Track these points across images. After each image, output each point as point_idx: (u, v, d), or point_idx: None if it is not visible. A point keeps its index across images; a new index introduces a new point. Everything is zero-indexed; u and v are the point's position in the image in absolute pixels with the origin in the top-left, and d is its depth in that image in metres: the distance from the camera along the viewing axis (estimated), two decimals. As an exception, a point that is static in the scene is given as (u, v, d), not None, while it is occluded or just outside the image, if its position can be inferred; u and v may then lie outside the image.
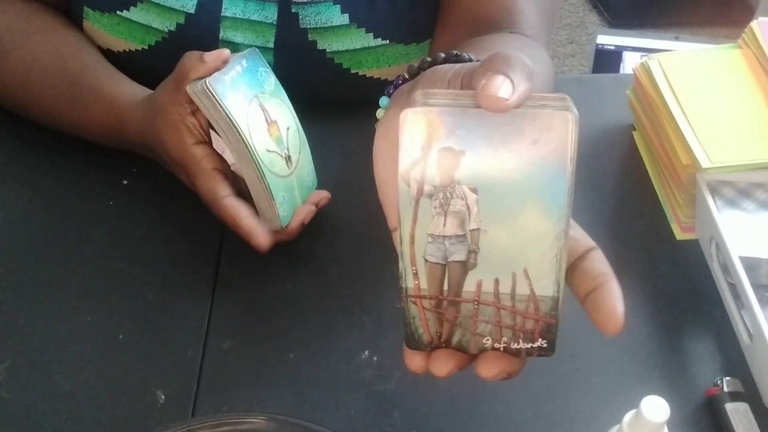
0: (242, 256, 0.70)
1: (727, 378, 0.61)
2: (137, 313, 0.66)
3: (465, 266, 0.41)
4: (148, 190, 0.70)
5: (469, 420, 0.60)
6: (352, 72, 0.77)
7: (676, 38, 1.92)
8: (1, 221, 0.73)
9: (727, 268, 0.66)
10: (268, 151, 0.64)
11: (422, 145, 0.38)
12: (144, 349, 0.64)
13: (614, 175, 0.80)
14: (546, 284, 0.41)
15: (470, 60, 0.49)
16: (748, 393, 0.61)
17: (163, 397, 0.61)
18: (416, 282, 0.41)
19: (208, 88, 0.62)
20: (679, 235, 0.73)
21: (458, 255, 0.40)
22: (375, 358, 0.64)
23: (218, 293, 0.67)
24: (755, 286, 0.62)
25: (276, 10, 0.74)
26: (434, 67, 0.46)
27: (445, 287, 0.42)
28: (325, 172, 0.76)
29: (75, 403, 0.60)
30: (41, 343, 0.64)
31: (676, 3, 2.35)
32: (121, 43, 0.76)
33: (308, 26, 0.75)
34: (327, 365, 0.63)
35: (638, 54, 1.84)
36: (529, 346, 0.43)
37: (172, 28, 0.74)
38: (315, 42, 0.75)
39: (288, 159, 0.66)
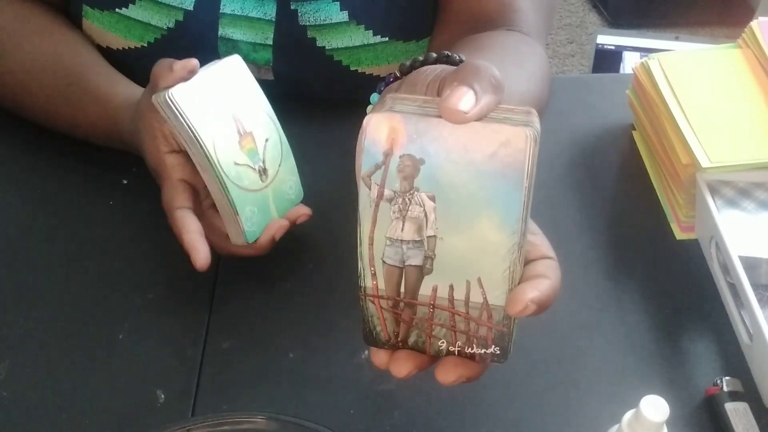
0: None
1: (727, 378, 0.61)
2: (137, 313, 0.66)
3: (421, 271, 0.42)
4: (148, 190, 0.70)
5: (468, 420, 0.60)
6: (351, 69, 0.77)
7: (676, 38, 1.92)
8: (1, 221, 0.73)
9: (726, 268, 0.66)
10: (237, 164, 0.62)
11: (384, 150, 0.39)
12: (144, 349, 0.64)
13: (614, 174, 0.80)
14: (498, 294, 0.42)
15: (461, 61, 0.49)
16: (748, 393, 0.61)
17: (163, 396, 0.61)
18: (374, 282, 0.43)
19: (170, 99, 0.60)
20: (679, 234, 0.73)
21: (415, 260, 0.42)
22: (375, 358, 0.64)
23: (218, 293, 0.67)
24: (755, 285, 0.62)
25: (275, 7, 0.74)
26: (421, 69, 0.47)
27: (402, 289, 0.43)
28: (324, 171, 0.76)
29: (75, 402, 0.60)
30: (41, 342, 0.64)
31: (676, 3, 2.35)
32: (120, 41, 0.76)
33: (307, 23, 0.75)
34: (327, 365, 0.63)
35: (638, 54, 1.84)
36: (483, 351, 0.44)
37: (171, 25, 0.74)
38: (314, 39, 0.75)
39: (263, 172, 0.64)
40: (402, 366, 0.45)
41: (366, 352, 0.64)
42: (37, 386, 0.61)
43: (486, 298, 0.42)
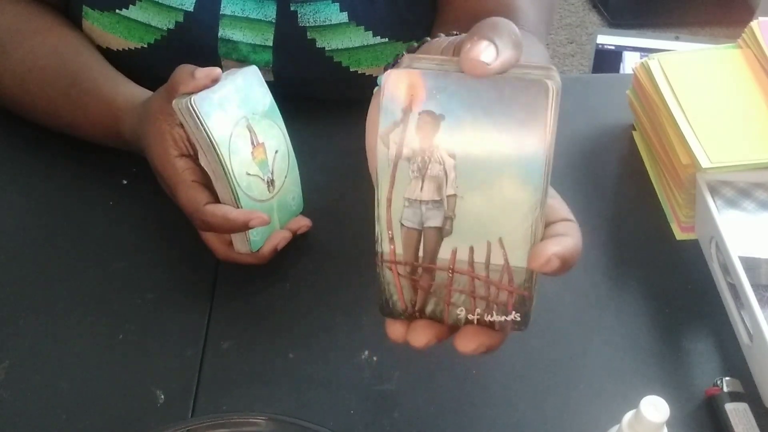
0: (242, 256, 0.70)
1: (727, 378, 0.61)
2: (137, 313, 0.66)
3: (441, 232, 0.40)
4: (148, 190, 0.70)
5: (468, 420, 0.60)
6: (351, 70, 0.77)
7: (676, 38, 1.92)
8: (1, 221, 0.73)
9: (726, 268, 0.66)
10: (248, 174, 0.63)
11: (403, 107, 0.38)
12: (144, 349, 0.64)
13: (614, 174, 0.80)
14: (520, 255, 0.41)
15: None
16: (748, 393, 0.61)
17: (162, 396, 0.61)
18: (392, 247, 0.41)
19: (192, 106, 0.61)
20: (679, 235, 0.73)
21: (434, 221, 0.40)
22: (375, 358, 0.64)
23: (218, 293, 0.68)
24: (755, 286, 0.62)
25: (275, 8, 0.74)
26: (433, 39, 0.46)
27: (421, 254, 0.41)
28: (324, 171, 0.76)
29: (75, 402, 0.60)
30: (41, 343, 0.64)
31: (676, 3, 2.35)
32: (120, 42, 0.76)
33: (307, 24, 0.75)
34: (327, 365, 0.63)
35: (638, 54, 1.84)
36: (503, 319, 0.42)
37: (171, 26, 0.74)
38: (314, 40, 0.75)
39: (270, 183, 0.65)
40: (420, 335, 0.43)
41: (366, 352, 0.64)
42: (37, 387, 0.61)
43: (507, 259, 0.40)
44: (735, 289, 0.65)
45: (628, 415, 0.51)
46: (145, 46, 0.76)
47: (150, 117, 0.64)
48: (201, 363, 0.63)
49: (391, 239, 0.41)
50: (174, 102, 0.62)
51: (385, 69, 0.50)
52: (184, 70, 0.62)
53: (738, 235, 0.67)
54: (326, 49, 0.75)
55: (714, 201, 0.68)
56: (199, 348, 0.64)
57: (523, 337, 0.65)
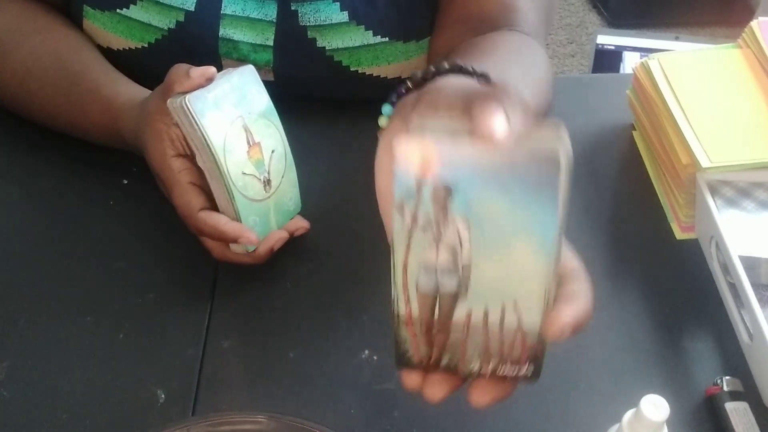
0: (242, 255, 0.70)
1: (727, 377, 0.61)
2: (137, 313, 0.66)
3: (456, 297, 0.41)
4: (149, 189, 0.70)
5: (469, 419, 0.60)
6: (351, 70, 0.77)
7: (676, 38, 1.92)
8: (1, 221, 0.73)
9: (726, 268, 0.66)
10: (244, 174, 0.63)
11: (417, 177, 0.38)
12: (144, 348, 0.64)
13: (614, 174, 0.80)
14: (534, 317, 0.42)
15: (474, 72, 0.50)
16: (748, 392, 0.61)
17: (163, 396, 0.61)
18: (408, 308, 0.42)
19: (186, 105, 0.60)
20: (679, 234, 0.73)
21: (449, 287, 0.41)
22: (375, 358, 0.64)
23: (218, 292, 0.68)
24: (755, 285, 0.62)
25: (275, 7, 0.74)
26: (438, 83, 0.46)
27: (436, 315, 0.42)
28: (326, 172, 0.76)
29: (75, 402, 0.60)
30: (41, 342, 0.64)
31: (676, 3, 2.35)
32: (121, 41, 0.76)
33: (308, 24, 0.75)
34: (327, 364, 0.63)
35: (638, 54, 1.84)
36: (515, 373, 0.44)
37: (172, 25, 0.74)
38: (314, 39, 0.75)
39: (267, 183, 0.65)
40: (437, 390, 0.45)
41: (366, 351, 0.64)
42: (37, 386, 0.61)
43: (521, 321, 0.42)
44: (735, 289, 0.65)
45: (629, 414, 0.51)
46: (146, 45, 0.76)
47: (147, 117, 0.64)
48: (201, 362, 0.63)
49: (407, 302, 0.42)
50: (168, 101, 0.61)
51: (390, 99, 0.50)
52: (179, 69, 0.62)
53: (738, 234, 0.67)
54: (326, 48, 0.75)
55: (714, 201, 0.68)
56: (199, 347, 0.64)
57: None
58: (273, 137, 0.66)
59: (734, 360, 0.64)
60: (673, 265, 0.71)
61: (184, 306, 0.66)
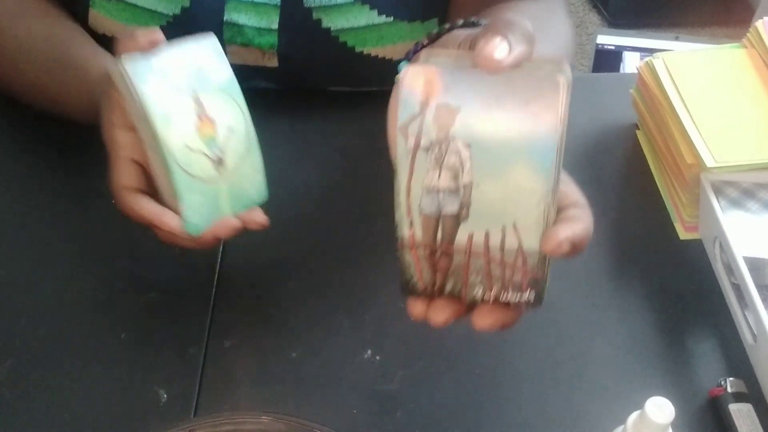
0: (244, 255, 0.70)
1: (731, 378, 0.61)
2: (139, 312, 0.66)
3: (457, 219, 0.43)
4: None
5: (472, 420, 0.60)
6: (356, 51, 0.77)
7: (676, 38, 1.92)
8: (2, 220, 0.72)
9: (730, 269, 0.66)
10: (189, 148, 0.57)
11: (420, 100, 0.40)
12: (146, 348, 0.63)
13: (618, 174, 0.79)
14: (533, 239, 0.43)
15: (481, 24, 0.52)
16: (752, 393, 0.61)
17: (165, 396, 0.60)
18: (411, 231, 0.44)
19: (123, 68, 0.55)
20: (683, 234, 0.73)
21: (451, 208, 0.42)
22: (377, 358, 0.63)
23: (220, 292, 0.67)
24: (759, 286, 0.62)
25: None
26: (452, 34, 0.48)
27: (439, 238, 0.44)
28: (325, 169, 0.76)
29: (77, 402, 0.60)
30: (43, 342, 0.63)
31: (676, 3, 2.35)
32: (126, 30, 0.76)
33: (312, 5, 0.75)
34: (329, 364, 0.63)
35: (638, 54, 1.84)
36: (518, 298, 0.45)
37: (177, 11, 0.74)
38: (320, 20, 0.75)
39: (219, 162, 0.58)
40: (440, 313, 0.45)
41: (368, 351, 0.64)
42: (39, 386, 0.61)
43: (521, 243, 0.43)
44: (739, 290, 0.65)
45: (633, 416, 0.50)
46: None
47: (104, 84, 0.61)
48: (203, 362, 0.63)
49: (411, 225, 0.44)
50: (110, 65, 0.57)
51: (406, 56, 0.51)
52: (127, 32, 0.58)
53: (742, 235, 0.66)
54: (332, 29, 0.75)
55: (718, 201, 0.68)
56: (201, 347, 0.63)
57: (527, 337, 0.65)
58: (233, 116, 0.59)
59: (738, 361, 0.64)
60: (676, 265, 0.71)
61: (186, 306, 0.66)
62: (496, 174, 0.41)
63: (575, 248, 0.43)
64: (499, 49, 0.39)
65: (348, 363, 0.63)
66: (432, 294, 0.46)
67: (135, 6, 0.75)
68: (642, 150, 0.80)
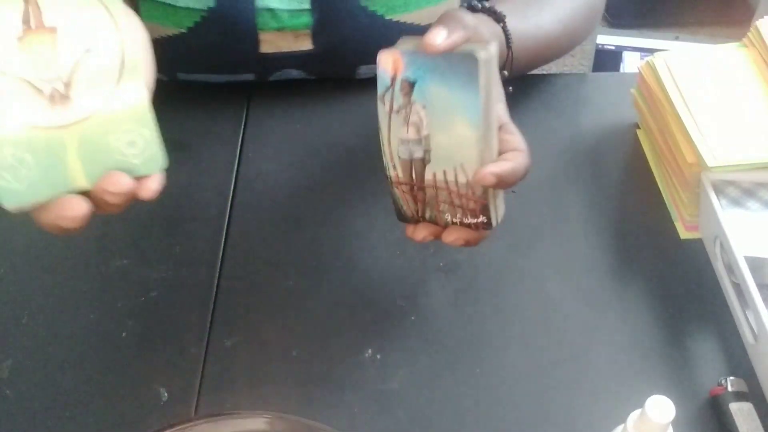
0: (245, 253, 0.70)
1: (731, 378, 0.61)
2: (140, 311, 0.66)
3: (423, 162, 0.57)
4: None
5: (472, 419, 0.60)
6: (386, 18, 0.79)
7: (676, 38, 1.91)
8: (3, 220, 0.72)
9: (731, 268, 0.66)
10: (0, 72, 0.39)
11: (391, 76, 0.55)
12: (147, 347, 0.63)
13: (618, 173, 0.79)
14: None
15: (482, 7, 0.69)
16: (752, 393, 0.61)
17: (166, 394, 0.60)
18: (395, 172, 0.58)
19: None
20: (683, 234, 0.73)
21: (418, 154, 0.57)
22: (378, 357, 0.63)
23: (221, 291, 0.67)
24: (760, 286, 0.62)
25: None
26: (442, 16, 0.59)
27: (414, 177, 0.58)
28: (328, 169, 0.76)
29: (78, 400, 0.60)
30: (44, 340, 0.63)
31: (676, 3, 2.35)
32: (159, 29, 0.76)
33: None
34: (330, 363, 0.63)
35: (638, 54, 1.84)
36: (475, 221, 0.58)
37: (212, 4, 0.74)
38: None
39: (59, 98, 0.40)
40: (421, 231, 0.60)
41: (369, 350, 0.64)
42: (40, 385, 0.61)
43: (468, 178, 0.56)
44: (739, 289, 0.65)
45: (633, 416, 0.50)
46: (185, 30, 0.76)
47: None
48: (204, 361, 0.63)
49: (394, 167, 0.58)
50: None
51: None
52: None
53: (743, 234, 0.66)
54: (361, 1, 0.77)
55: (719, 200, 0.68)
56: (202, 346, 0.63)
57: (527, 335, 0.65)
58: (95, 27, 0.41)
59: (738, 360, 0.64)
60: (677, 264, 0.71)
61: (187, 304, 0.66)
62: (444, 127, 0.55)
63: (501, 180, 0.55)
64: (438, 36, 0.53)
65: (349, 362, 0.63)
66: (417, 219, 0.60)
67: (166, 5, 0.74)
68: (642, 149, 0.80)
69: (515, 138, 0.58)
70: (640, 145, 0.81)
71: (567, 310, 0.67)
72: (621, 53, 1.86)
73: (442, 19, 0.56)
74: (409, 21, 0.79)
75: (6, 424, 0.59)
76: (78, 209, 0.43)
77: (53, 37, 0.40)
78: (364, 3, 0.77)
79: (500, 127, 0.59)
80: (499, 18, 0.70)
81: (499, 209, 0.59)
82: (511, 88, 0.72)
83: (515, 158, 0.57)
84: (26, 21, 0.39)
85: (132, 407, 0.60)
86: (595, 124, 0.83)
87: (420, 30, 0.72)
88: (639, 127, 0.82)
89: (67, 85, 0.40)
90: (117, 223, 0.72)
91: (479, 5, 0.68)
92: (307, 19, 0.77)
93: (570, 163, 0.79)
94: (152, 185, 0.46)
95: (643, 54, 1.82)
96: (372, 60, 0.54)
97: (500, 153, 0.57)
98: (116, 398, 0.60)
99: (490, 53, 0.53)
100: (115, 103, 0.41)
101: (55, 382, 0.61)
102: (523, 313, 0.67)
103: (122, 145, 0.42)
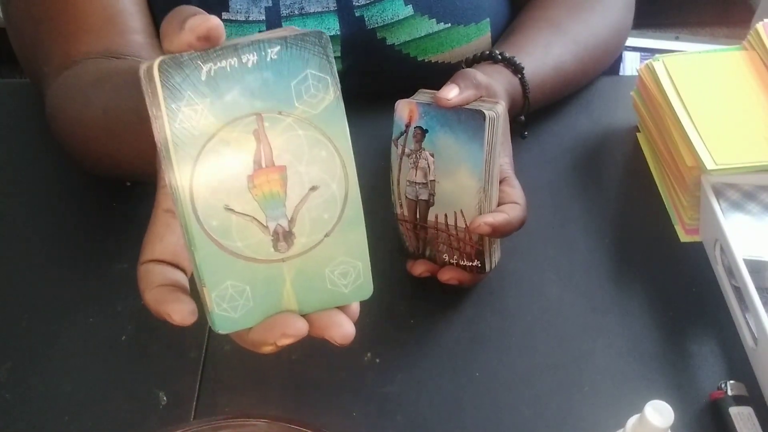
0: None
1: (731, 382, 0.61)
2: (139, 315, 0.65)
3: (428, 204, 0.63)
4: (151, 192, 0.69)
5: (471, 423, 0.60)
6: (419, 60, 0.80)
7: (676, 38, 1.91)
8: (4, 222, 0.72)
9: (731, 271, 0.66)
10: (228, 209, 0.39)
11: (405, 123, 0.61)
12: (146, 351, 0.63)
13: (618, 176, 0.79)
14: None
15: (495, 57, 0.73)
16: (752, 397, 0.60)
17: (164, 398, 0.60)
18: (401, 210, 0.64)
19: (155, 73, 0.37)
20: (683, 237, 0.73)
21: (423, 195, 0.63)
22: (377, 360, 0.63)
23: (220, 294, 0.67)
24: (760, 289, 0.62)
25: (337, 19, 0.76)
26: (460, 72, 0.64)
27: (417, 216, 0.64)
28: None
29: (77, 404, 0.60)
30: (43, 344, 0.63)
31: (676, 3, 2.34)
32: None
33: (375, 25, 0.77)
34: (329, 367, 0.63)
35: (638, 54, 1.83)
36: (470, 264, 0.64)
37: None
38: (384, 39, 0.78)
39: (284, 237, 0.40)
40: (419, 266, 0.65)
41: (368, 354, 0.64)
42: (39, 388, 0.61)
43: (466, 223, 0.61)
44: (740, 292, 0.65)
45: (633, 420, 0.50)
46: None
47: None
48: (203, 365, 0.63)
49: (401, 206, 0.64)
50: (145, 65, 0.38)
51: (465, 62, 0.75)
52: (176, 15, 0.38)
53: (743, 237, 0.66)
54: (395, 44, 0.78)
55: (719, 203, 0.68)
56: (201, 350, 0.63)
57: (527, 340, 0.65)
58: (325, 163, 0.40)
59: (738, 364, 0.64)
60: (677, 268, 0.71)
61: (186, 307, 0.66)
62: (449, 175, 0.61)
63: (496, 231, 0.60)
64: (450, 93, 0.59)
65: (348, 366, 0.63)
66: (417, 256, 0.65)
67: None
68: (642, 152, 0.80)
69: (515, 191, 0.63)
70: (640, 148, 0.81)
71: (566, 313, 0.67)
72: (621, 53, 1.86)
73: (456, 77, 0.62)
74: (441, 60, 0.81)
75: (5, 427, 0.59)
76: (302, 328, 0.43)
77: (282, 176, 0.40)
78: (399, 47, 0.78)
79: (503, 180, 0.63)
80: (517, 69, 0.72)
81: (494, 255, 0.64)
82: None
83: (511, 210, 0.61)
84: (257, 160, 0.39)
85: (131, 411, 0.60)
86: (595, 127, 0.83)
87: (453, 69, 0.68)
88: (639, 131, 0.82)
89: (292, 221, 0.40)
90: (117, 227, 0.72)
91: (499, 56, 0.72)
92: (337, 65, 0.77)
93: (570, 167, 0.79)
94: (353, 312, 0.46)
95: (643, 54, 1.81)
96: (403, 92, 0.59)
97: (499, 204, 0.62)
98: (115, 402, 0.60)
99: (497, 113, 0.59)
100: (336, 237, 0.41)
101: (54, 386, 0.61)
102: (523, 317, 0.67)
103: (336, 276, 0.42)
